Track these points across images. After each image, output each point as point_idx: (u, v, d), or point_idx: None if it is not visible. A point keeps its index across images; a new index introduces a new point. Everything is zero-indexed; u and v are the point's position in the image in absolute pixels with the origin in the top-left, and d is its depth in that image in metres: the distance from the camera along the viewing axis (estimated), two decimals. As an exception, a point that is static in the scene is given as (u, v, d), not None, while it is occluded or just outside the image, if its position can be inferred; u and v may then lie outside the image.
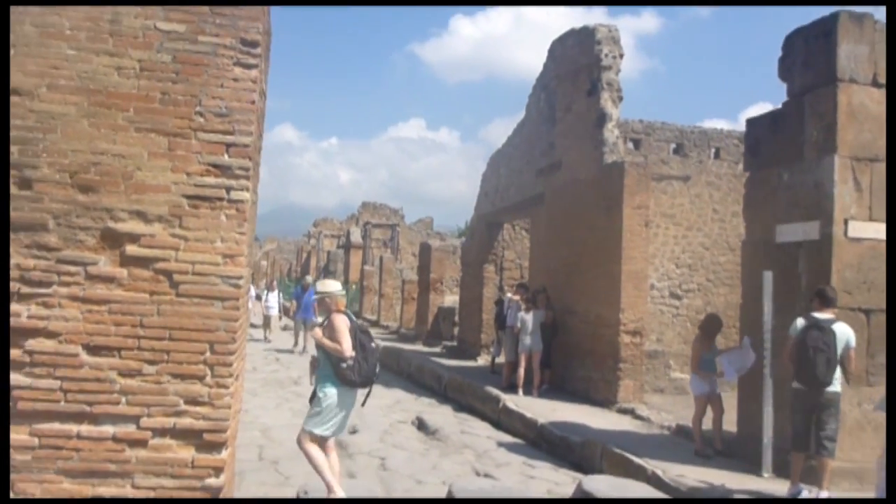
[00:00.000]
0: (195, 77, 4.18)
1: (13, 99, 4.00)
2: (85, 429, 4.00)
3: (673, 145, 14.88)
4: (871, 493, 5.43)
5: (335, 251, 36.85)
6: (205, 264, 4.15)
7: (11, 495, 3.89)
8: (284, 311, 21.07)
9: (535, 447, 8.36)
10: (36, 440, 3.95)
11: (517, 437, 8.87)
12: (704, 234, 14.90)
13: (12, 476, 3.88)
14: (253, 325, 20.06)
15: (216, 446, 4.12)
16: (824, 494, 5.71)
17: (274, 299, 18.96)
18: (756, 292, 6.94)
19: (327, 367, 5.32)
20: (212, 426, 4.11)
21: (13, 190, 3.99)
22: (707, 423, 7.58)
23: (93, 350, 4.03)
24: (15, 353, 3.94)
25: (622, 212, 9.92)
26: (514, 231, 16.36)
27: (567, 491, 6.22)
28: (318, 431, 5.22)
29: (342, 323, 5.33)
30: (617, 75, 10.97)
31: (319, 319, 5.85)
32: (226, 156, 4.21)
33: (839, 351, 5.78)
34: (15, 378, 3.93)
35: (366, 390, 5.45)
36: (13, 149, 3.99)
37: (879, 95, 6.54)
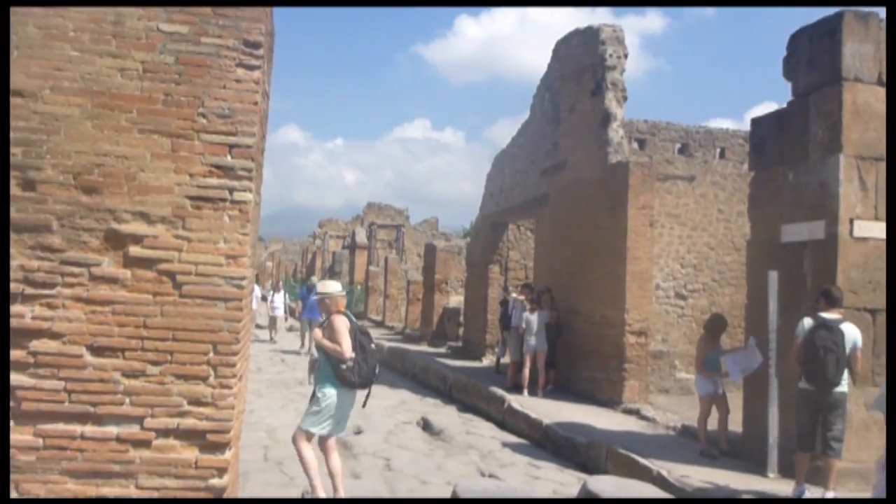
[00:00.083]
0: (198, 78, 4.19)
1: (17, 101, 4.02)
2: (89, 429, 4.01)
3: (678, 145, 14.85)
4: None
5: (340, 252, 36.90)
6: (208, 265, 4.16)
7: (16, 495, 3.91)
8: (290, 311, 21.11)
9: (540, 448, 8.35)
10: (40, 441, 3.96)
11: (522, 438, 8.86)
12: (709, 234, 14.86)
13: (17, 476, 3.89)
14: (259, 326, 20.12)
15: (220, 447, 4.12)
16: (830, 495, 5.69)
17: (280, 300, 19.03)
18: (761, 292, 6.91)
19: (327, 367, 5.32)
20: (215, 427, 4.11)
21: (17, 191, 4.01)
22: (712, 424, 7.56)
23: (96, 351, 4.04)
24: (19, 353, 3.95)
25: (627, 212, 9.89)
26: (519, 231, 16.35)
27: (572, 491, 6.21)
28: (314, 430, 5.25)
29: (342, 324, 5.33)
30: (621, 75, 10.95)
31: (323, 318, 5.86)
32: (228, 157, 4.21)
33: (847, 351, 5.76)
34: (19, 379, 3.95)
35: (365, 391, 5.45)
36: (17, 150, 4.01)
37: (885, 94, 6.50)
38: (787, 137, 7.04)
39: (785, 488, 6.03)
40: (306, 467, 5.18)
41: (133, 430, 4.04)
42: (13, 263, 3.98)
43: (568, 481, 6.90)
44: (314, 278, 21.38)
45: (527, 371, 10.78)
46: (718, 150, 15.07)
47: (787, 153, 7.01)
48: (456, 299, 19.30)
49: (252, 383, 10.10)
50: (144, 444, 4.05)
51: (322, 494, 5.12)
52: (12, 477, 3.86)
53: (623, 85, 10.89)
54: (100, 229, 4.08)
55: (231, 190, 4.20)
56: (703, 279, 14.86)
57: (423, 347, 17.37)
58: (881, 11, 6.64)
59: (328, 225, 47.46)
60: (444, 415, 10.18)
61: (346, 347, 5.22)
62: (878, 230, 6.37)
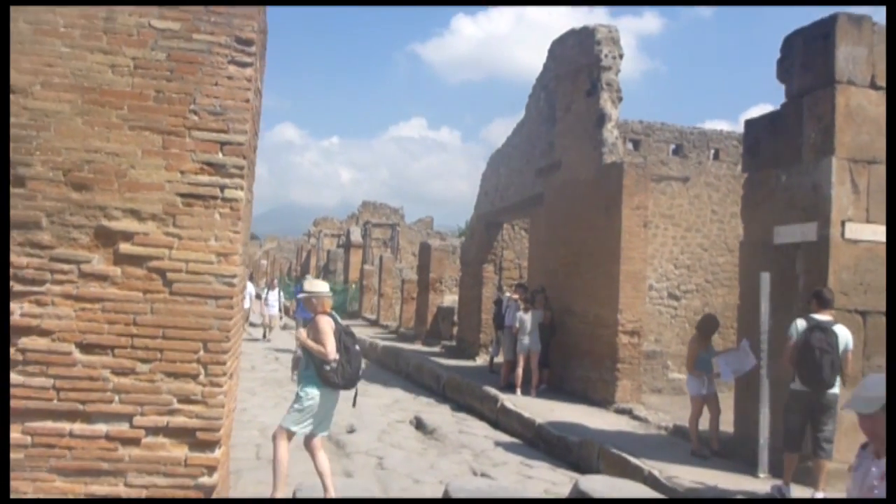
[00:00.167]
0: (189, 75, 4.18)
1: (7, 96, 4.00)
2: (78, 427, 4.00)
3: (672, 146, 14.88)
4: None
5: (335, 250, 36.83)
6: (198, 263, 4.14)
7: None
8: (284, 310, 21.07)
9: (533, 447, 8.36)
10: (28, 438, 3.94)
11: (515, 437, 8.87)
12: (703, 235, 14.90)
13: (5, 474, 3.88)
14: (252, 325, 20.07)
15: (209, 445, 4.11)
16: (820, 495, 5.71)
17: (274, 298, 18.96)
18: (754, 293, 6.93)
19: (311, 367, 5.31)
20: (205, 425, 4.10)
21: (7, 188, 3.99)
22: (704, 424, 7.57)
23: (86, 348, 4.02)
24: (8, 350, 3.94)
25: (621, 212, 9.90)
26: (514, 231, 16.36)
27: (564, 491, 6.21)
28: (294, 429, 5.25)
29: (327, 325, 5.32)
30: (616, 76, 10.96)
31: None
32: (220, 154, 4.20)
33: (839, 353, 5.78)
34: (8, 376, 3.93)
35: (349, 392, 5.44)
36: (7, 146, 3.99)
37: (877, 97, 6.53)
38: (781, 139, 7.05)
39: (775, 489, 6.04)
40: (276, 465, 5.21)
41: (122, 427, 4.03)
42: (2, 260, 3.96)
43: (560, 480, 6.91)
44: (309, 276, 21.34)
45: (520, 370, 10.79)
46: (713, 152, 15.10)
47: (781, 155, 7.02)
48: (450, 298, 19.29)
49: (246, 381, 10.08)
50: (134, 441, 4.04)
51: (280, 495, 5.15)
52: (0, 474, 3.85)
53: (618, 85, 10.90)
54: (90, 226, 4.07)
55: (222, 187, 4.19)
56: (697, 280, 14.90)
57: (418, 346, 17.35)
58: (875, 14, 6.66)
59: (323, 223, 47.38)
60: (438, 414, 10.17)
61: (331, 349, 5.21)
62: (870, 232, 6.40)
